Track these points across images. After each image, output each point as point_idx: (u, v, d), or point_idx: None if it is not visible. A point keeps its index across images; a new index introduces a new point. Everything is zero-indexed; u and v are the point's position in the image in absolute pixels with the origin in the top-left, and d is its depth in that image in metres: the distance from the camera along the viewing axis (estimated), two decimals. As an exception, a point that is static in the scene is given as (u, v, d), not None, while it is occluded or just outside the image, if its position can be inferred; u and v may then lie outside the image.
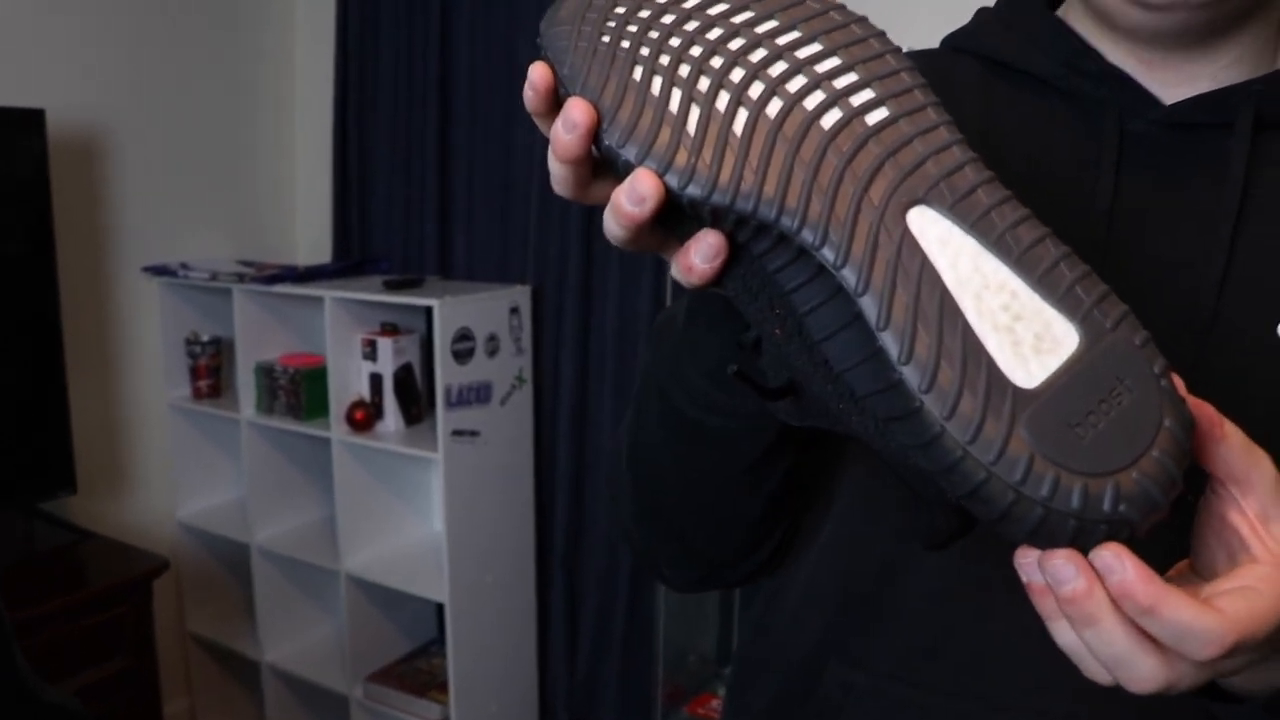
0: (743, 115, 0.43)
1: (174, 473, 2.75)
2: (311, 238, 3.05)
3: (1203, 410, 0.43)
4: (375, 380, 2.48)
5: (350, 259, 2.85)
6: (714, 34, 0.45)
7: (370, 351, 2.48)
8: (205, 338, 2.70)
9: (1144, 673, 0.42)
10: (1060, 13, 0.69)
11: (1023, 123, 0.66)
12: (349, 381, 2.49)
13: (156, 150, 2.68)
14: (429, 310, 2.35)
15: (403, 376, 2.48)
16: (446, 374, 2.29)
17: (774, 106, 0.43)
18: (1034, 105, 0.67)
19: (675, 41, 0.44)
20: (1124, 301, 0.43)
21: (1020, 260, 0.42)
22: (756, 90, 0.43)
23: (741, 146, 0.42)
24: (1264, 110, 0.61)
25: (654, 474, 0.67)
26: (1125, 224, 0.62)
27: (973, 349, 0.40)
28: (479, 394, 2.38)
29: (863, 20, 0.46)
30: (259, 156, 2.99)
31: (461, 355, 2.33)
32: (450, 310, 2.30)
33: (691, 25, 0.45)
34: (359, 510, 2.51)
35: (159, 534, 2.68)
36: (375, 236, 2.85)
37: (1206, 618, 0.40)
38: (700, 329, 0.57)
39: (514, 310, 2.48)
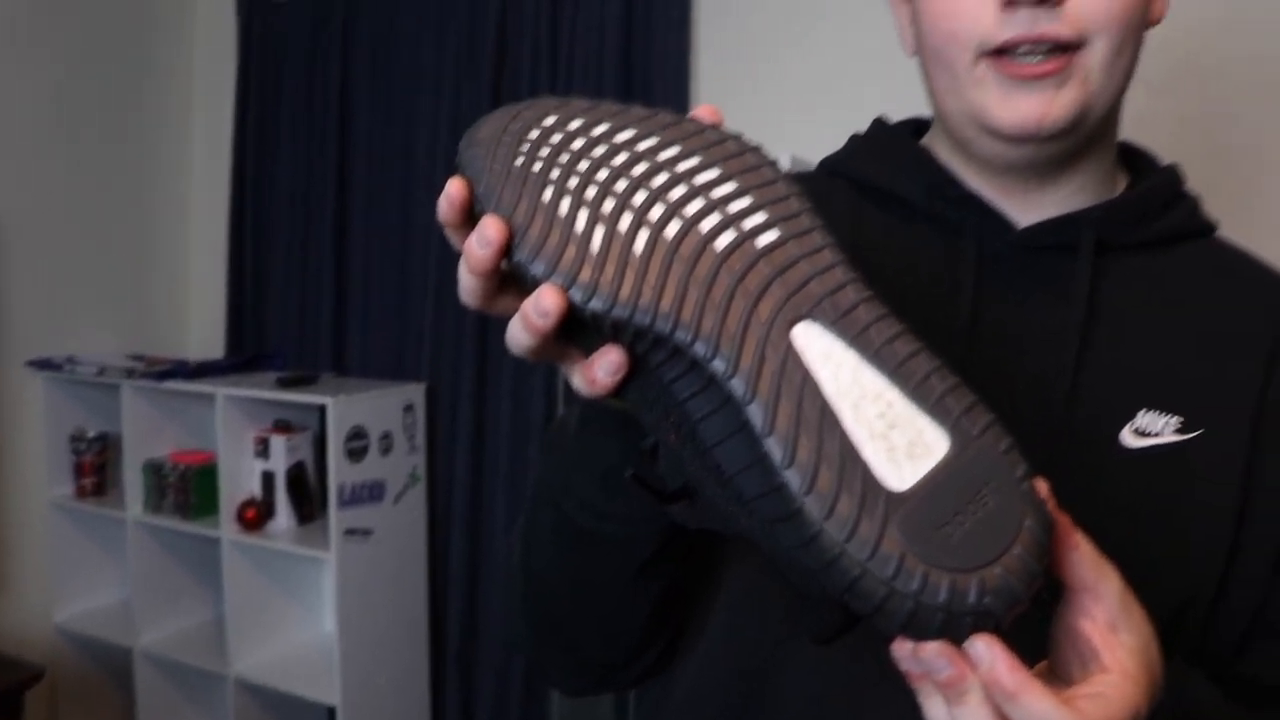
0: (643, 236, 0.47)
1: (53, 574, 2.66)
2: (204, 331, 3.01)
3: (1058, 521, 0.47)
4: (267, 478, 2.46)
5: (244, 354, 2.83)
6: (618, 160, 0.49)
7: (263, 449, 2.46)
8: (91, 434, 2.65)
9: None
10: (925, 141, 0.77)
11: (891, 243, 0.72)
12: (241, 479, 2.46)
13: (45, 240, 2.65)
14: (323, 408, 2.35)
15: (296, 474, 2.46)
16: (339, 472, 2.28)
17: (672, 228, 0.47)
18: (901, 227, 0.73)
19: (583, 166, 0.49)
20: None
21: (896, 372, 0.46)
22: (656, 213, 0.47)
23: (641, 265, 0.46)
24: (1104, 234, 0.69)
25: (545, 582, 0.70)
26: (984, 340, 0.68)
27: (850, 454, 0.44)
28: (372, 492, 2.37)
29: (757, 149, 0.51)
30: (152, 248, 2.96)
31: (355, 453, 2.33)
32: (343, 408, 2.30)
33: (598, 151, 0.49)
34: (249, 611, 2.46)
35: (34, 640, 2.57)
36: (270, 331, 2.83)
37: (1063, 712, 0.44)
38: (594, 436, 0.60)
39: (408, 408, 2.48)
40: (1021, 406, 0.61)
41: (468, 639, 2.51)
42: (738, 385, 0.44)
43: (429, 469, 2.54)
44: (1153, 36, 0.70)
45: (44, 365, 2.61)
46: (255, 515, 2.41)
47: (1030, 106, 0.64)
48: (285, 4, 2.78)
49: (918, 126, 0.80)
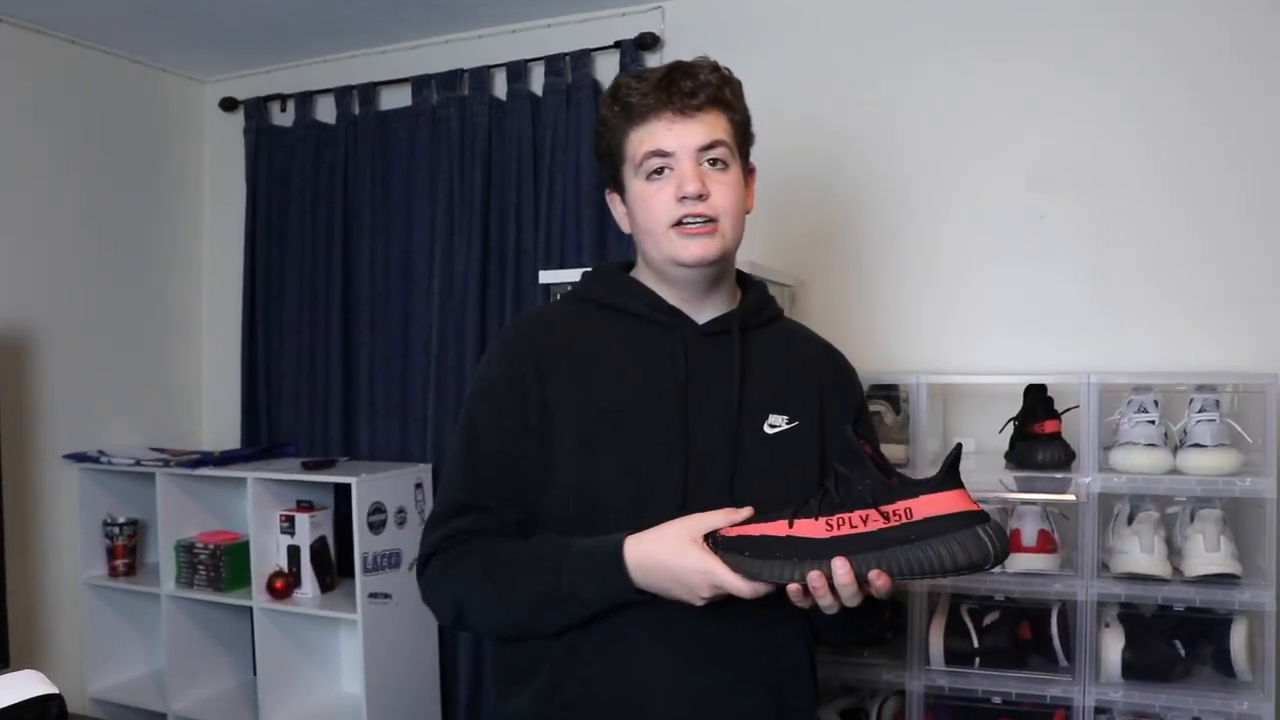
0: None
1: (88, 649, 2.90)
2: (217, 424, 3.32)
3: None
4: (293, 552, 2.75)
5: (259, 444, 3.13)
6: None
7: (288, 526, 2.75)
8: (122, 519, 2.92)
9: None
10: (635, 274, 1.28)
11: (630, 336, 1.23)
12: (268, 554, 2.75)
13: (72, 345, 2.95)
14: (340, 487, 2.66)
15: (318, 548, 2.75)
16: (363, 543, 2.59)
17: None
18: (634, 326, 1.24)
19: None
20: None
21: None
22: None
23: None
24: (742, 323, 1.25)
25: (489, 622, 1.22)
26: (694, 384, 1.21)
27: None
28: (390, 560, 2.68)
29: None
30: (168, 351, 3.28)
31: (375, 526, 2.64)
32: (365, 487, 2.61)
33: None
34: (277, 674, 2.73)
35: (70, 711, 2.78)
36: (281, 423, 3.15)
37: None
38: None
39: (418, 485, 2.81)
40: (718, 414, 1.20)
41: (475, 692, 2.80)
42: None
43: (440, 538, 2.84)
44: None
45: (80, 458, 2.88)
46: (284, 585, 2.70)
47: (698, 247, 1.17)
48: (290, 128, 3.15)
49: (626, 265, 1.31)
